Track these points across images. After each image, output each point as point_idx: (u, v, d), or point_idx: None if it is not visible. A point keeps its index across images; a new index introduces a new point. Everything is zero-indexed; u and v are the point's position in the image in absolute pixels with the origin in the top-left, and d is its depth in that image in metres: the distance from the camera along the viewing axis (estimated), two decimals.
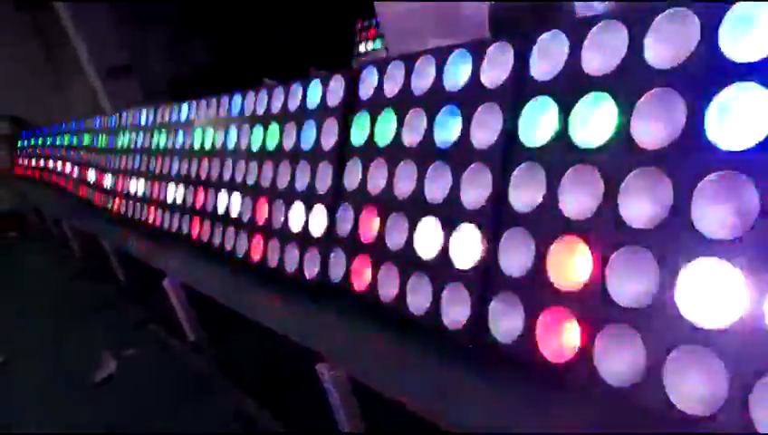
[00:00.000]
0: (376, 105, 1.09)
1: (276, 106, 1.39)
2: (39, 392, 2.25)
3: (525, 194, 0.79)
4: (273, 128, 1.39)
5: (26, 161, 4.92)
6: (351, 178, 1.13)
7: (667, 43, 0.66)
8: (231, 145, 1.57)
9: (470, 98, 0.89)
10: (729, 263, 0.57)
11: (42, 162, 4.33)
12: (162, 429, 1.75)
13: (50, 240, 4.08)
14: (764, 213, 0.55)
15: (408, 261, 0.96)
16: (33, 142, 4.78)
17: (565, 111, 0.75)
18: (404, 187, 1.00)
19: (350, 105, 1.16)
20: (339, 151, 1.17)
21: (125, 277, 2.65)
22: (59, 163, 3.80)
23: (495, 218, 0.83)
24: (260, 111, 1.46)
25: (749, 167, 0.56)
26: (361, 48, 3.40)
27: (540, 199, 0.77)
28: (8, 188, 5.37)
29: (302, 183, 1.27)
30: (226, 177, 1.57)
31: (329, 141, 1.20)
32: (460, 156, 0.89)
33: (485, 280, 0.83)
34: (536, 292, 0.76)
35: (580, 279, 0.70)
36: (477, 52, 0.90)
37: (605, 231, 0.68)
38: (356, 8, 3.21)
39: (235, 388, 1.76)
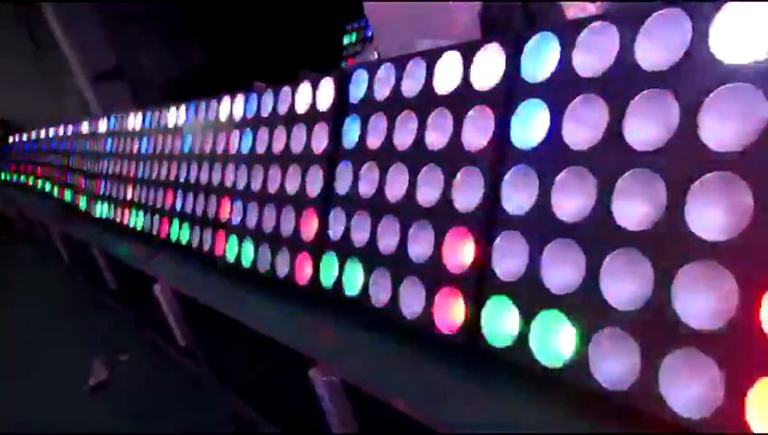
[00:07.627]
0: (366, 108, 1.09)
1: (266, 109, 1.38)
2: (32, 397, 2.23)
3: (518, 197, 0.79)
4: (263, 131, 1.38)
5: (13, 165, 4.87)
6: (342, 182, 1.12)
7: (658, 44, 0.66)
8: (220, 149, 1.56)
9: (461, 100, 0.89)
10: (723, 264, 0.56)
11: (30, 166, 4.29)
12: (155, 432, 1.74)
13: (37, 244, 4.04)
14: (758, 214, 0.55)
15: (400, 265, 0.96)
16: (20, 146, 4.74)
17: (557, 112, 0.75)
18: (395, 190, 0.99)
19: (341, 108, 1.15)
20: (329, 155, 1.16)
21: (115, 282, 2.62)
22: (46, 167, 3.76)
23: (488, 222, 0.82)
24: (250, 115, 1.45)
25: (742, 167, 0.56)
26: (350, 51, 3.40)
27: (533, 202, 0.76)
28: None
29: (292, 187, 1.26)
30: (216, 181, 1.56)
31: (319, 145, 1.19)
32: (452, 159, 0.89)
33: (479, 284, 0.82)
34: (530, 295, 0.75)
35: (574, 282, 0.70)
36: (468, 53, 0.89)
37: (599, 233, 0.68)
38: (345, 10, 3.21)
39: (228, 393, 1.74)
